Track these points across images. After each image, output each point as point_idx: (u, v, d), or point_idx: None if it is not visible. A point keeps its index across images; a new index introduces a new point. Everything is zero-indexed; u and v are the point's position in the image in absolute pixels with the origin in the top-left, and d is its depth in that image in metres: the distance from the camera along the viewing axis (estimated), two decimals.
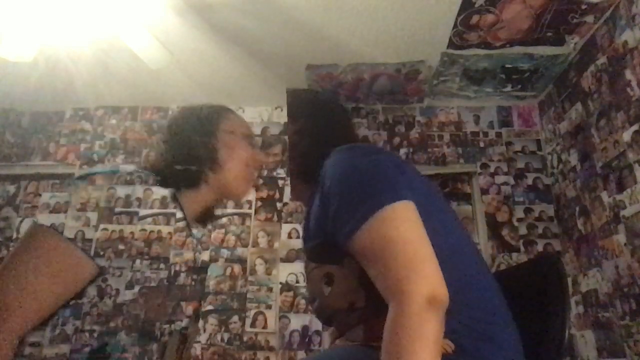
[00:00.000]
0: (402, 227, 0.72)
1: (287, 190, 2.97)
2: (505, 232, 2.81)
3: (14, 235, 2.91)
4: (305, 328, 2.63)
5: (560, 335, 0.84)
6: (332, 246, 0.82)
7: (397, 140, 3.09)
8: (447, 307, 0.69)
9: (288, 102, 1.13)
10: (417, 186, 0.82)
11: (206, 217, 1.22)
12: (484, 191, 2.91)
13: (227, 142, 1.16)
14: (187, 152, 1.12)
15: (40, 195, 3.06)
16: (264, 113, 3.21)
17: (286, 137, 3.13)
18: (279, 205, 2.94)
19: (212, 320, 2.64)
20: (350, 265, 0.81)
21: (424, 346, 0.64)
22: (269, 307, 2.68)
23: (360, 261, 0.77)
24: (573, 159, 2.61)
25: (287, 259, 2.79)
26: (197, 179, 1.13)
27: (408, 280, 0.68)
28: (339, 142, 0.94)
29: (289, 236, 2.85)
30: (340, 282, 0.83)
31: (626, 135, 2.12)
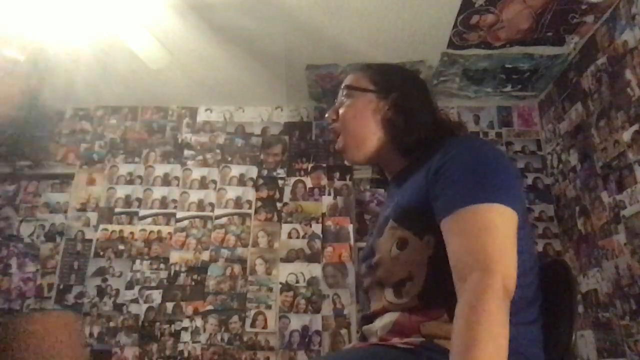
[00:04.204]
0: (504, 229, 0.75)
1: (287, 191, 2.97)
2: None
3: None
4: (305, 328, 2.63)
5: (567, 341, 0.84)
6: (423, 216, 0.83)
7: None
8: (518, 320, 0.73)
9: (377, 76, 1.06)
10: (523, 205, 0.85)
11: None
12: None
13: None
14: None
15: (40, 195, 3.06)
16: (264, 113, 3.20)
17: (286, 137, 3.14)
18: (279, 205, 2.94)
19: (212, 320, 2.63)
20: (428, 243, 0.82)
21: (503, 325, 0.66)
22: (269, 307, 2.68)
23: (448, 232, 0.77)
24: (573, 159, 2.61)
25: (287, 259, 2.78)
26: None
27: (498, 262, 0.70)
28: (439, 120, 1.00)
29: (289, 236, 2.85)
30: (411, 251, 0.83)
31: (626, 135, 2.12)
